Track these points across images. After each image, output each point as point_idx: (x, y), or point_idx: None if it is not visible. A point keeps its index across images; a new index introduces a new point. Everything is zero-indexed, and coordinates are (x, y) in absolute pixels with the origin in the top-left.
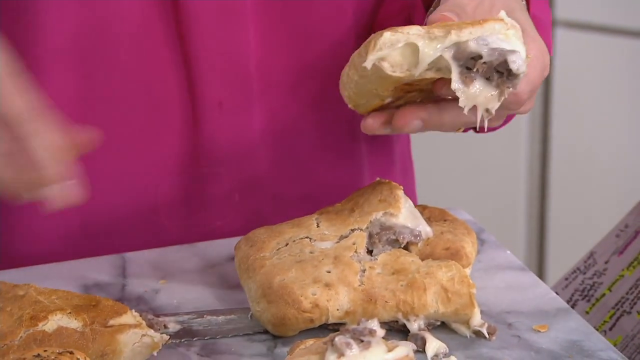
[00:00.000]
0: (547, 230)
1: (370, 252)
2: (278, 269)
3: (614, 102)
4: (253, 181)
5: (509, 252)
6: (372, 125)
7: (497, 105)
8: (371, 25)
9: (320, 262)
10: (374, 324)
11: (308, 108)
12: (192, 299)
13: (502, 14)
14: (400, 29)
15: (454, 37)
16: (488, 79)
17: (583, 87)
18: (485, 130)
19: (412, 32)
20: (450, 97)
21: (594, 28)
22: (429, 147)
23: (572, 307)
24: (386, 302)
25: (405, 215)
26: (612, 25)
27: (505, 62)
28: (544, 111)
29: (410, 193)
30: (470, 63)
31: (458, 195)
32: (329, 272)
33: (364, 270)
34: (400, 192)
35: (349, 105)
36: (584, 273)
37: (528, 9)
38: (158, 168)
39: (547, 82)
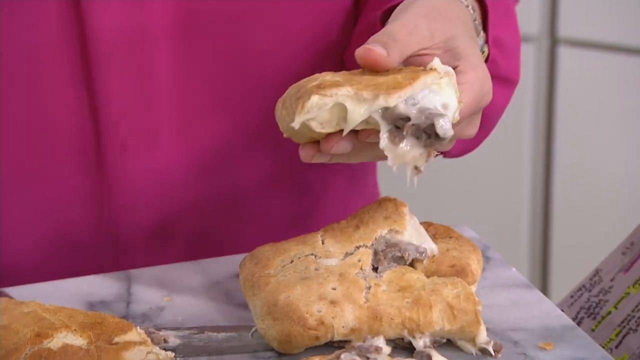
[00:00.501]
0: (550, 248)
1: (375, 269)
2: (283, 286)
3: (618, 120)
4: (174, 220)
5: (514, 269)
6: (306, 155)
7: (425, 163)
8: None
9: (326, 279)
10: (380, 341)
11: (244, 140)
12: (196, 316)
13: (436, 62)
14: (328, 90)
15: (381, 102)
16: (417, 137)
17: (586, 105)
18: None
19: (341, 94)
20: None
21: (597, 46)
22: (431, 164)
23: (578, 324)
24: (392, 319)
25: (410, 232)
26: (615, 43)
27: (432, 125)
28: (547, 128)
29: None
30: (399, 122)
31: (461, 213)
32: (334, 289)
33: (369, 288)
34: (405, 209)
35: (284, 135)
36: (590, 290)
37: (486, 30)
38: (68, 206)
39: (550, 100)
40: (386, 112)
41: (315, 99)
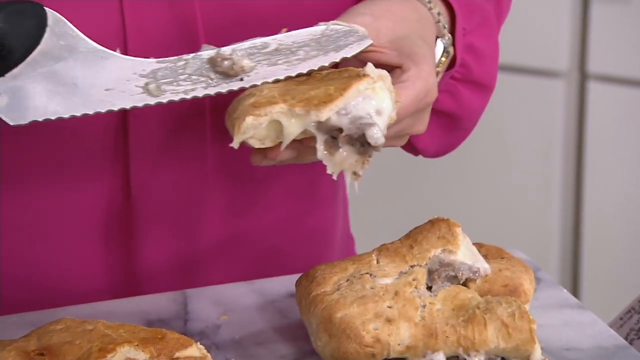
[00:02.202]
0: (581, 274)
1: (429, 288)
2: (340, 304)
3: None
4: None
5: (565, 290)
6: (255, 160)
7: (363, 169)
8: None
9: (381, 298)
10: (440, 357)
11: None
12: (253, 334)
13: (368, 68)
14: (262, 110)
15: (313, 117)
16: (352, 145)
17: (616, 141)
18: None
19: (275, 112)
20: None
21: (626, 82)
22: (453, 191)
23: None
24: (447, 337)
25: (463, 252)
26: None
27: (364, 135)
28: (577, 163)
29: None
30: (334, 133)
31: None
32: (390, 307)
33: (424, 306)
34: (458, 230)
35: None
36: (639, 312)
37: (454, 33)
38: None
39: (580, 136)
40: (320, 124)
41: (249, 120)
